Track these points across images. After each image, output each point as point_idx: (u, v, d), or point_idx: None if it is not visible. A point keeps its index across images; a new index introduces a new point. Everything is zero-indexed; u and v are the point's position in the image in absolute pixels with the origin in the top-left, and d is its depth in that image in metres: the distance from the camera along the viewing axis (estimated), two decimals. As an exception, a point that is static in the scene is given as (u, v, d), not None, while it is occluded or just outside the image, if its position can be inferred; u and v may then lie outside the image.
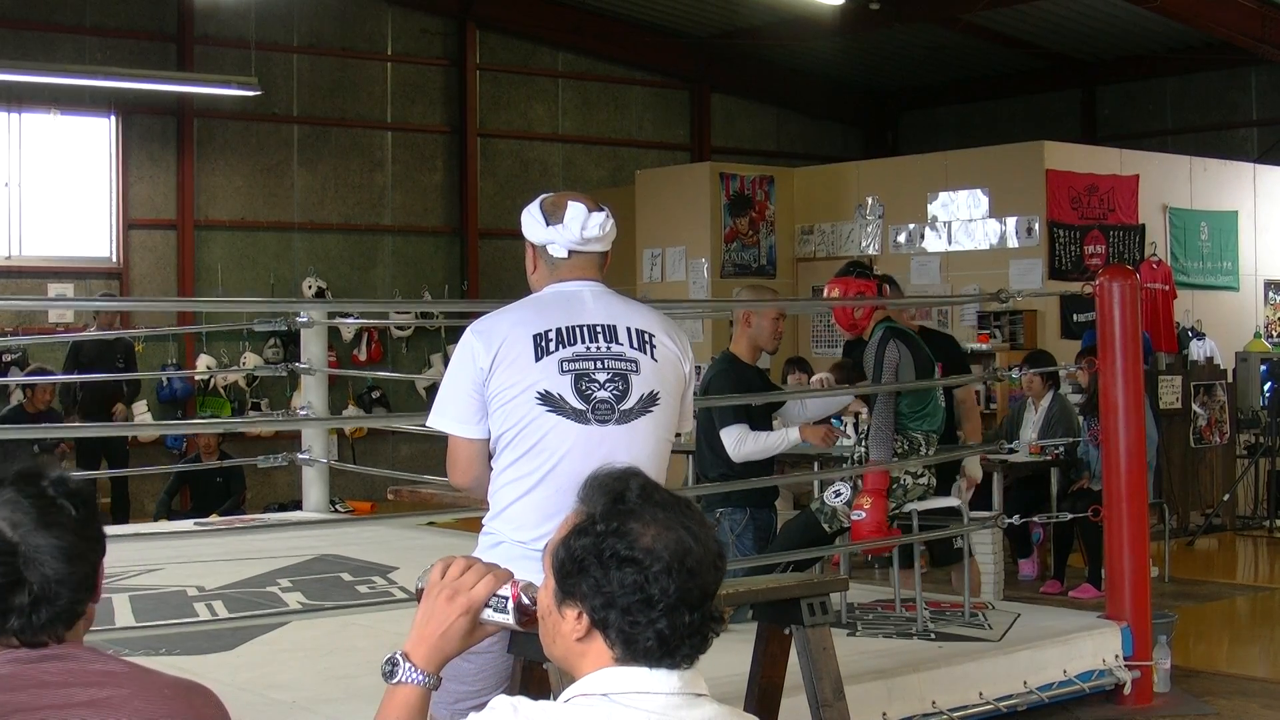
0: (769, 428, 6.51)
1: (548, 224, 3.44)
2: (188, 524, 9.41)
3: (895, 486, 6.16)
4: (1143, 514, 6.22)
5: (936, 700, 5.30)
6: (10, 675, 1.91)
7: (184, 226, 14.10)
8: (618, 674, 1.95)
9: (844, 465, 7.17)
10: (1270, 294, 13.96)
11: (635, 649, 1.95)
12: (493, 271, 15.59)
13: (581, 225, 3.41)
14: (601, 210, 3.47)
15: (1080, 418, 9.08)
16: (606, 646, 1.97)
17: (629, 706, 1.92)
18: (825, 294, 6.63)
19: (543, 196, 3.53)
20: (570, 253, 3.44)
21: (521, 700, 1.98)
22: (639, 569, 1.94)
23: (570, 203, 3.44)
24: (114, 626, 5.45)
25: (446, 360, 14.19)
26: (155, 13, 14.12)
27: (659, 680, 1.95)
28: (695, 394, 4.24)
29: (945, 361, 6.81)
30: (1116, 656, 5.97)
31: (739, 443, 6.14)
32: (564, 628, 2.00)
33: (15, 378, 11.80)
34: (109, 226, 13.90)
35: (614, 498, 2.01)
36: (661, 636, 1.94)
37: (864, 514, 5.97)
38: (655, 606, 1.93)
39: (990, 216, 12.54)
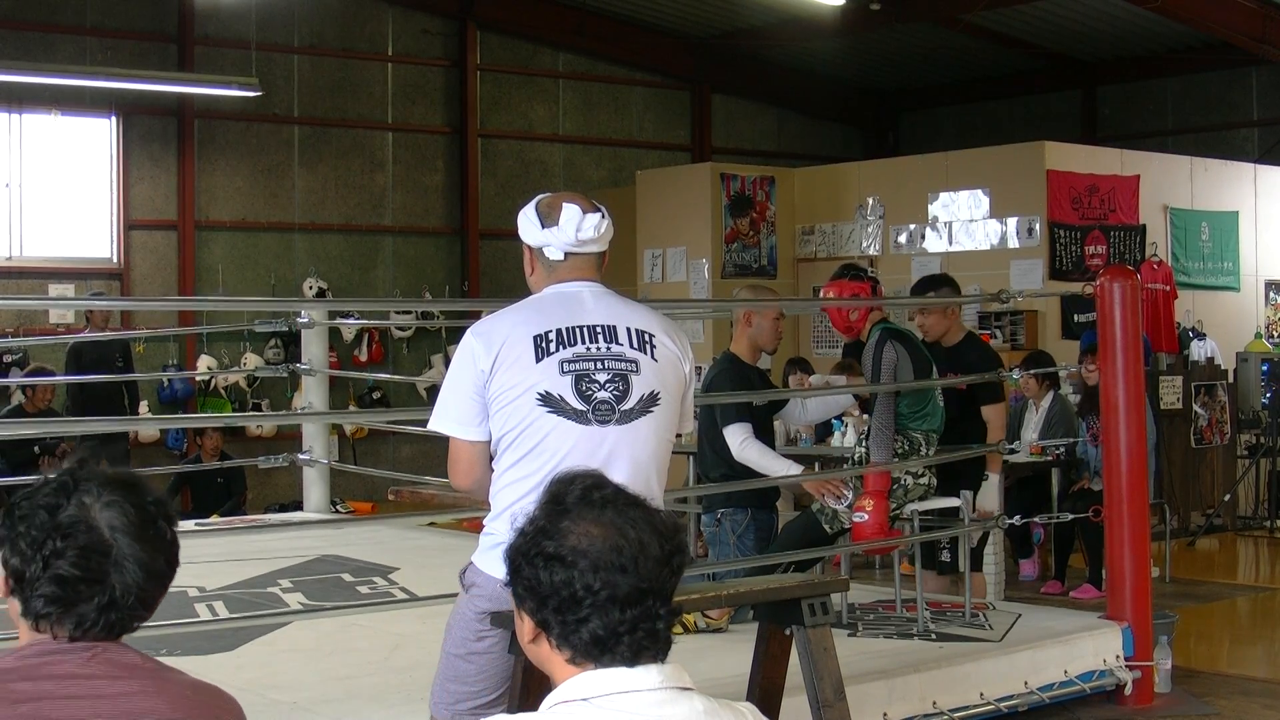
0: (770, 428, 6.50)
1: (543, 226, 3.44)
2: (188, 524, 9.39)
3: (896, 487, 6.16)
4: (1143, 514, 6.22)
5: (937, 701, 5.30)
6: (40, 664, 1.96)
7: (184, 227, 14.10)
8: (596, 677, 1.94)
9: (844, 466, 7.16)
10: (1271, 294, 13.95)
11: (577, 648, 1.95)
12: (493, 272, 15.59)
13: (576, 227, 3.40)
14: (597, 211, 3.46)
15: (1078, 417, 9.09)
16: (553, 649, 1.97)
17: (609, 710, 1.91)
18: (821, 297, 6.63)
19: (538, 198, 3.52)
20: (567, 254, 3.44)
21: (500, 718, 1.99)
22: (565, 567, 1.94)
23: (565, 204, 3.43)
24: (115, 627, 5.43)
25: (447, 361, 14.17)
26: (156, 13, 14.12)
27: (638, 678, 1.93)
28: (696, 394, 4.24)
29: (973, 371, 6.71)
30: (1117, 657, 5.97)
31: (744, 444, 6.11)
32: (523, 631, 2.02)
33: (14, 378, 11.79)
34: (109, 227, 13.90)
35: (552, 499, 2.02)
36: (595, 635, 1.93)
37: (866, 516, 5.97)
38: (582, 604, 1.93)
39: (991, 217, 12.54)
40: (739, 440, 6.11)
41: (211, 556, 7.59)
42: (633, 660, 1.94)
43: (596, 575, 1.93)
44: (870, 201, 13.43)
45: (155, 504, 2.06)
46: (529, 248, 3.51)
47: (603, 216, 3.46)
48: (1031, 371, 8.97)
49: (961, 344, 6.94)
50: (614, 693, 1.93)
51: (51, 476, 2.06)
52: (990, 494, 6.75)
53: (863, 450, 6.28)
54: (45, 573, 1.97)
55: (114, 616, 1.99)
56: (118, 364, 11.76)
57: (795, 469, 6.21)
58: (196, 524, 9.41)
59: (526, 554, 1.98)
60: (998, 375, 6.75)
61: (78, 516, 1.99)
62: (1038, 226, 12.18)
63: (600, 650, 1.94)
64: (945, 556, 6.64)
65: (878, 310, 6.41)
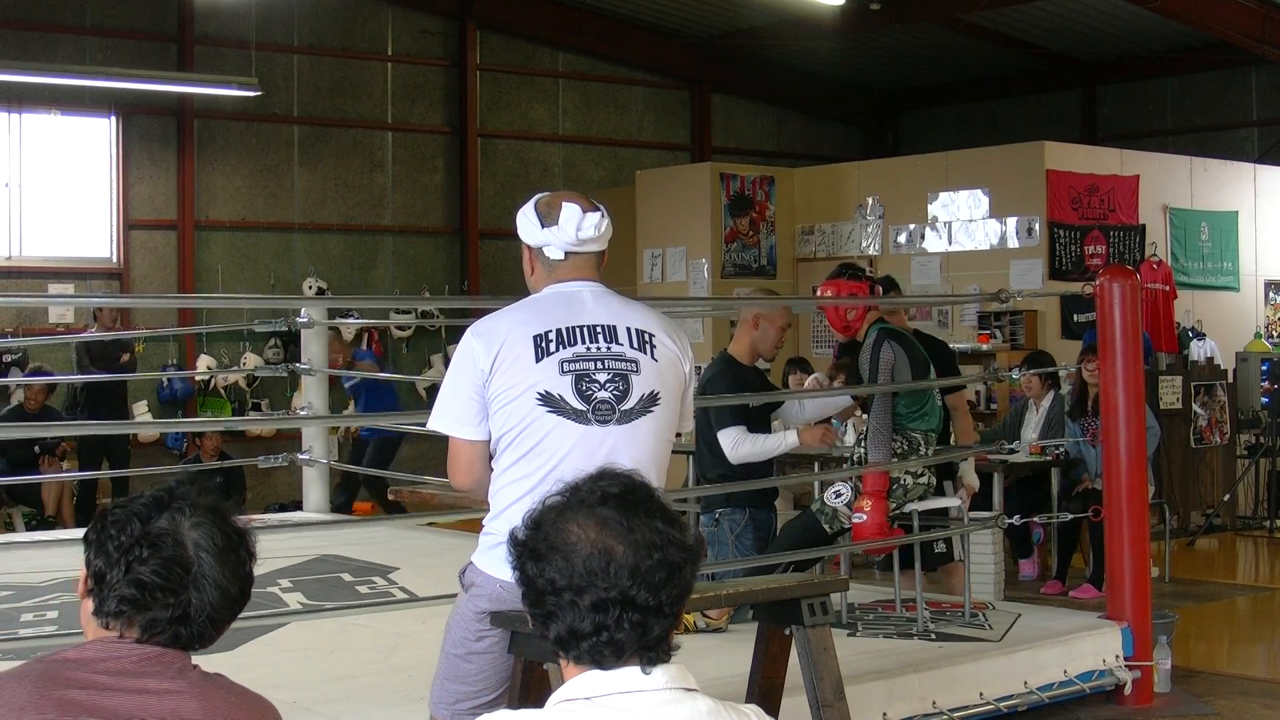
0: (767, 429, 6.50)
1: (543, 226, 3.43)
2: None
3: (895, 487, 6.16)
4: (1143, 514, 6.22)
5: (937, 700, 5.29)
6: (97, 658, 2.02)
7: (184, 227, 14.10)
8: (601, 676, 1.95)
9: (844, 466, 7.17)
10: (1270, 294, 13.95)
11: (565, 649, 1.97)
12: (493, 271, 15.59)
13: (577, 226, 3.40)
14: (597, 210, 3.46)
15: (1069, 419, 9.08)
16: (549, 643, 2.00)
17: (612, 709, 1.92)
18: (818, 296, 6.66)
19: (537, 197, 3.51)
20: (567, 254, 3.44)
21: (502, 713, 1.99)
22: (537, 560, 1.98)
23: (565, 204, 3.43)
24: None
25: (447, 361, 14.09)
26: (155, 13, 14.12)
27: (641, 679, 1.94)
28: (695, 394, 4.24)
29: (936, 365, 6.78)
30: (1117, 657, 5.97)
31: (736, 445, 6.13)
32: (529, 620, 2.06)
33: (14, 378, 11.80)
34: (109, 227, 13.90)
35: (564, 490, 2.04)
36: (559, 634, 1.96)
37: (865, 516, 5.97)
38: (545, 600, 1.96)
39: (990, 217, 12.54)
40: (731, 443, 6.14)
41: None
42: (599, 664, 1.95)
43: (563, 574, 1.95)
44: (870, 201, 13.43)
45: (239, 534, 2.13)
46: (528, 248, 3.50)
47: (602, 215, 3.46)
48: (1033, 371, 8.97)
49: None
50: (617, 692, 1.93)
51: (149, 490, 2.13)
52: (970, 471, 6.99)
53: (862, 450, 6.28)
54: (126, 575, 2.04)
55: (183, 630, 2.06)
56: (119, 355, 11.80)
57: (791, 434, 6.25)
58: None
59: (519, 542, 2.02)
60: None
61: (167, 530, 2.06)
62: (1037, 226, 12.18)
63: (564, 649, 1.97)
64: (940, 548, 6.64)
65: (875, 310, 6.41)
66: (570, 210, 3.41)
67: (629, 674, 1.94)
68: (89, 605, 2.09)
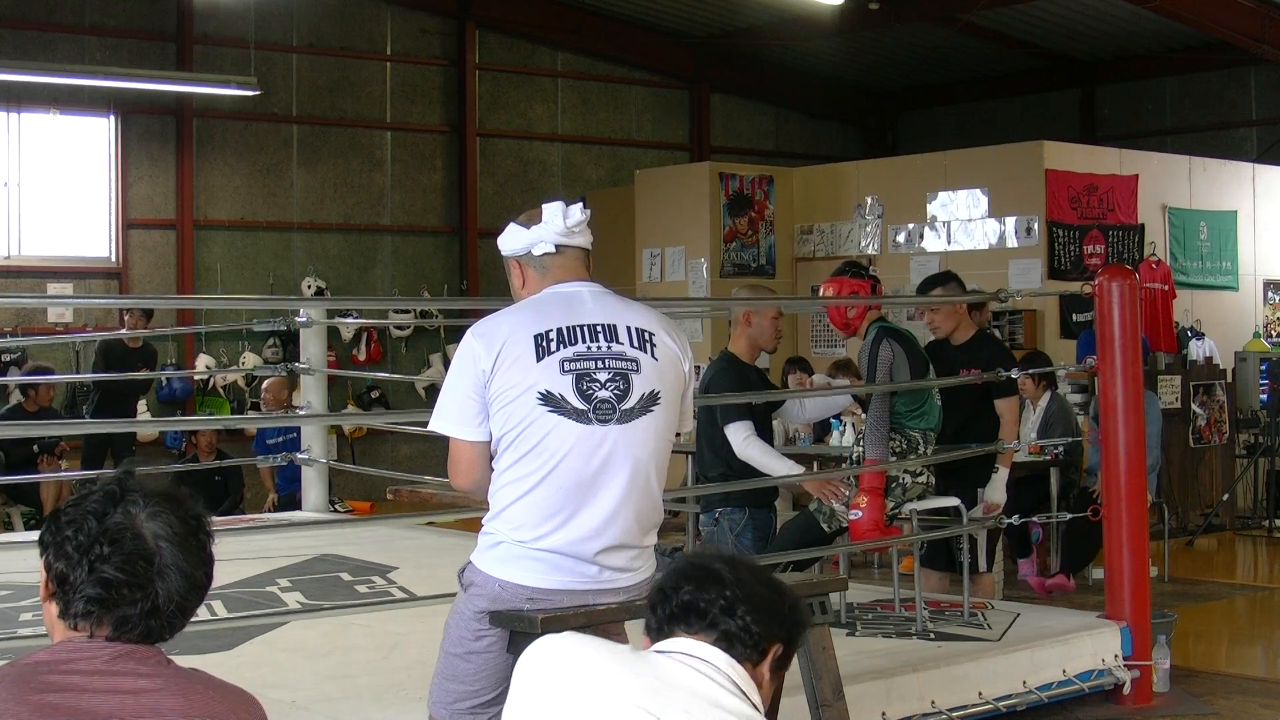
0: (769, 427, 6.49)
1: (528, 228, 3.49)
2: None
3: (894, 486, 6.16)
4: (1142, 514, 6.22)
5: (936, 700, 5.30)
6: (70, 659, 2.01)
7: (183, 226, 14.09)
8: (675, 641, 2.25)
9: (842, 465, 7.16)
10: (1269, 294, 13.95)
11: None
12: (492, 271, 15.57)
13: (563, 215, 3.46)
14: (578, 201, 3.51)
15: (1083, 417, 9.07)
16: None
17: (675, 660, 2.21)
18: (820, 294, 6.63)
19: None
20: (559, 247, 3.47)
21: (569, 634, 2.37)
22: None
23: (544, 206, 3.51)
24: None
25: (446, 361, 14.14)
26: (155, 12, 14.12)
27: (710, 650, 2.22)
28: (695, 394, 4.24)
29: (987, 368, 6.65)
30: (1116, 656, 5.97)
31: (746, 442, 6.09)
32: None
33: (15, 378, 11.80)
34: (108, 226, 13.90)
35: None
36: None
37: (860, 513, 5.96)
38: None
39: (989, 216, 12.54)
40: (741, 438, 6.09)
41: (210, 556, 7.56)
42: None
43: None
44: (869, 201, 13.43)
45: (196, 518, 2.13)
46: (517, 262, 3.54)
47: (584, 204, 3.51)
48: (1029, 371, 8.96)
49: (973, 341, 6.93)
50: (686, 653, 2.21)
51: (97, 485, 2.11)
52: (998, 486, 6.73)
53: (860, 449, 6.28)
54: (90, 575, 2.02)
55: (154, 623, 2.05)
56: (140, 368, 11.83)
57: (796, 469, 6.21)
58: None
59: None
60: (1005, 374, 6.71)
61: (125, 524, 2.04)
62: (1036, 226, 12.18)
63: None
64: (964, 557, 6.57)
65: (875, 309, 6.40)
66: (552, 206, 3.50)
67: (700, 645, 2.20)
68: (53, 608, 2.06)
